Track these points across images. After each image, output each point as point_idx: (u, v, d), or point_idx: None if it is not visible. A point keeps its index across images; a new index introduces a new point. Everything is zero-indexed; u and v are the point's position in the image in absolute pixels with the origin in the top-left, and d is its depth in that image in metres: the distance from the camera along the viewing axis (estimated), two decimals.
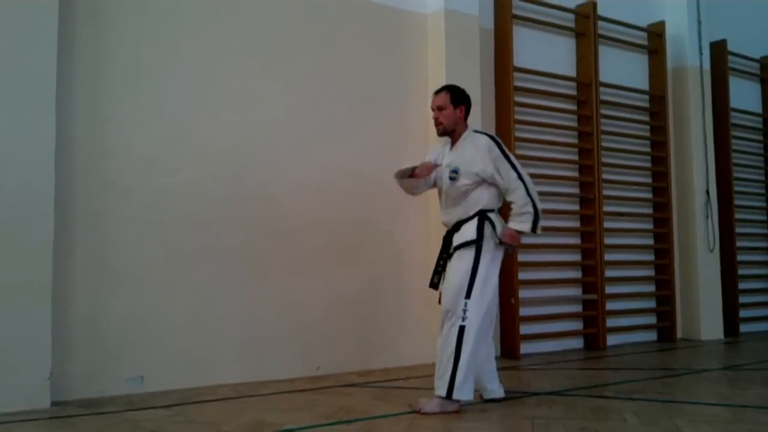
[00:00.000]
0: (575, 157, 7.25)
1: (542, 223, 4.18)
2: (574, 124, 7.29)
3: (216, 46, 5.24)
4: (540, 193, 6.60)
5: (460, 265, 4.11)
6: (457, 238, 4.18)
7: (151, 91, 4.95)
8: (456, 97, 4.27)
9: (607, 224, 7.27)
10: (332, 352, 5.54)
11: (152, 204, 4.87)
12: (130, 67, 4.88)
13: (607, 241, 7.26)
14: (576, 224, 7.22)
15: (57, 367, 4.32)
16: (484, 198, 4.16)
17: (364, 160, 5.81)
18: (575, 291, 7.16)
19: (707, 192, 8.01)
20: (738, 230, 8.40)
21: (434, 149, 4.48)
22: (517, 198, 4.13)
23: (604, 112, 7.41)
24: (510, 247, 4.20)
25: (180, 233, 4.97)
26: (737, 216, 8.43)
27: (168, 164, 4.96)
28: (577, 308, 7.14)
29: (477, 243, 4.08)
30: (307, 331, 5.42)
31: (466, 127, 4.31)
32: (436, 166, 4.27)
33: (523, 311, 6.52)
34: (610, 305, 7.26)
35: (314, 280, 5.48)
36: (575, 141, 7.25)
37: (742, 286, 8.42)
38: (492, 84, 6.69)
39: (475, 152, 4.16)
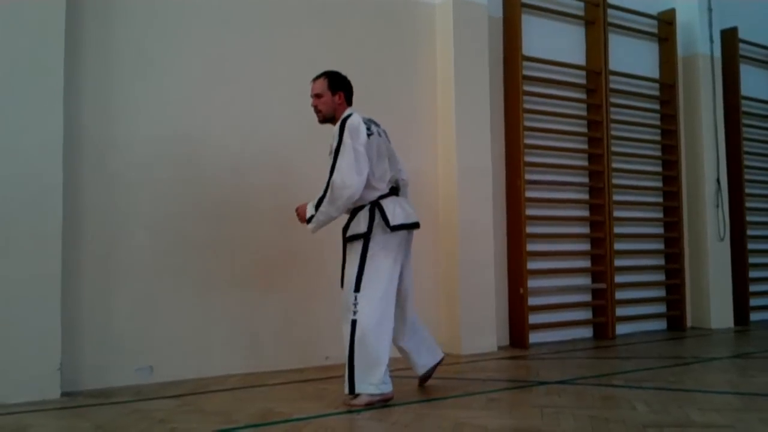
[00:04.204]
0: (584, 146, 7.21)
1: (322, 216, 3.99)
2: (584, 113, 7.25)
3: (223, 40, 5.24)
4: (549, 183, 6.81)
5: (350, 258, 4.04)
6: (350, 228, 4.08)
7: (159, 85, 4.95)
8: (334, 83, 4.13)
9: (616, 213, 7.24)
10: (341, 342, 5.52)
11: (160, 196, 4.89)
12: (138, 60, 4.89)
13: (617, 230, 7.23)
14: (585, 213, 7.19)
15: (67, 358, 4.35)
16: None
17: None
18: (584, 280, 7.14)
19: (718, 180, 7.96)
20: (748, 219, 8.35)
21: None
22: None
23: (613, 100, 7.36)
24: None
25: (188, 225, 4.99)
26: (748, 204, 8.37)
27: (176, 157, 4.97)
28: (586, 297, 7.12)
29: (365, 235, 3.97)
30: (316, 321, 5.43)
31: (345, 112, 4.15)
32: None
33: (532, 301, 6.51)
34: (620, 294, 7.23)
35: (322, 271, 5.47)
36: (584, 130, 7.21)
37: (752, 274, 8.37)
38: (501, 73, 6.66)
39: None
